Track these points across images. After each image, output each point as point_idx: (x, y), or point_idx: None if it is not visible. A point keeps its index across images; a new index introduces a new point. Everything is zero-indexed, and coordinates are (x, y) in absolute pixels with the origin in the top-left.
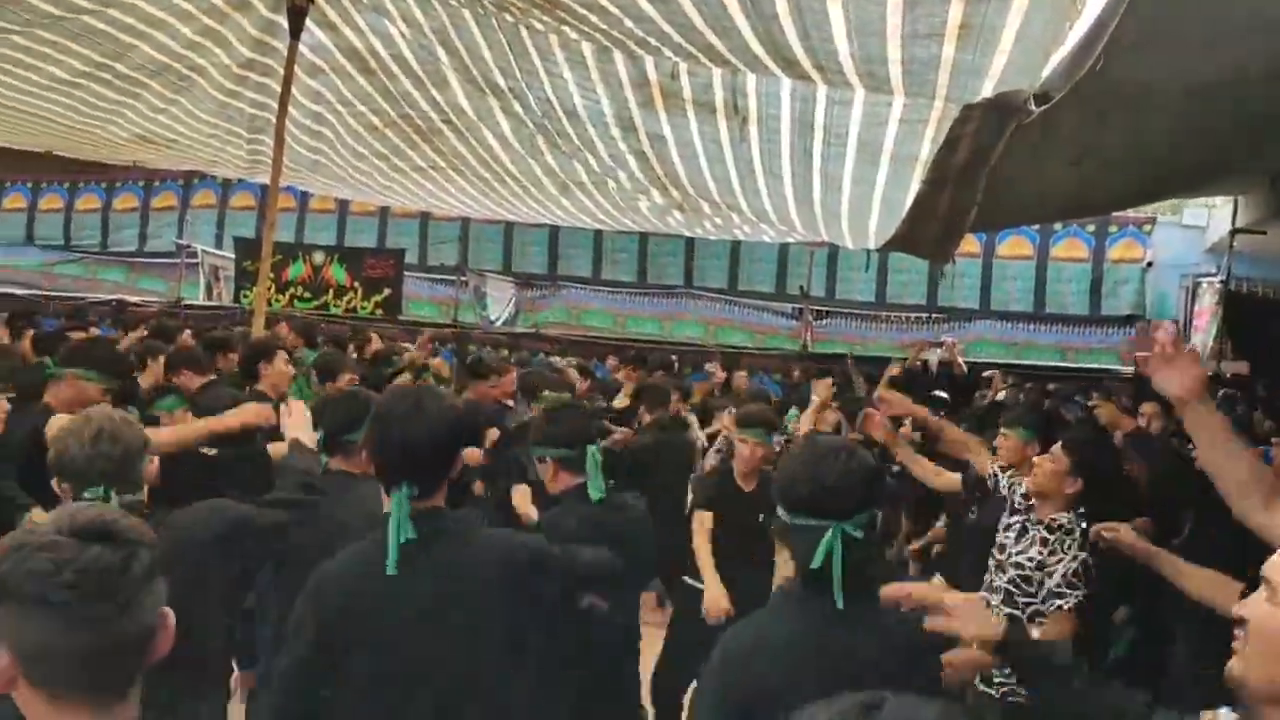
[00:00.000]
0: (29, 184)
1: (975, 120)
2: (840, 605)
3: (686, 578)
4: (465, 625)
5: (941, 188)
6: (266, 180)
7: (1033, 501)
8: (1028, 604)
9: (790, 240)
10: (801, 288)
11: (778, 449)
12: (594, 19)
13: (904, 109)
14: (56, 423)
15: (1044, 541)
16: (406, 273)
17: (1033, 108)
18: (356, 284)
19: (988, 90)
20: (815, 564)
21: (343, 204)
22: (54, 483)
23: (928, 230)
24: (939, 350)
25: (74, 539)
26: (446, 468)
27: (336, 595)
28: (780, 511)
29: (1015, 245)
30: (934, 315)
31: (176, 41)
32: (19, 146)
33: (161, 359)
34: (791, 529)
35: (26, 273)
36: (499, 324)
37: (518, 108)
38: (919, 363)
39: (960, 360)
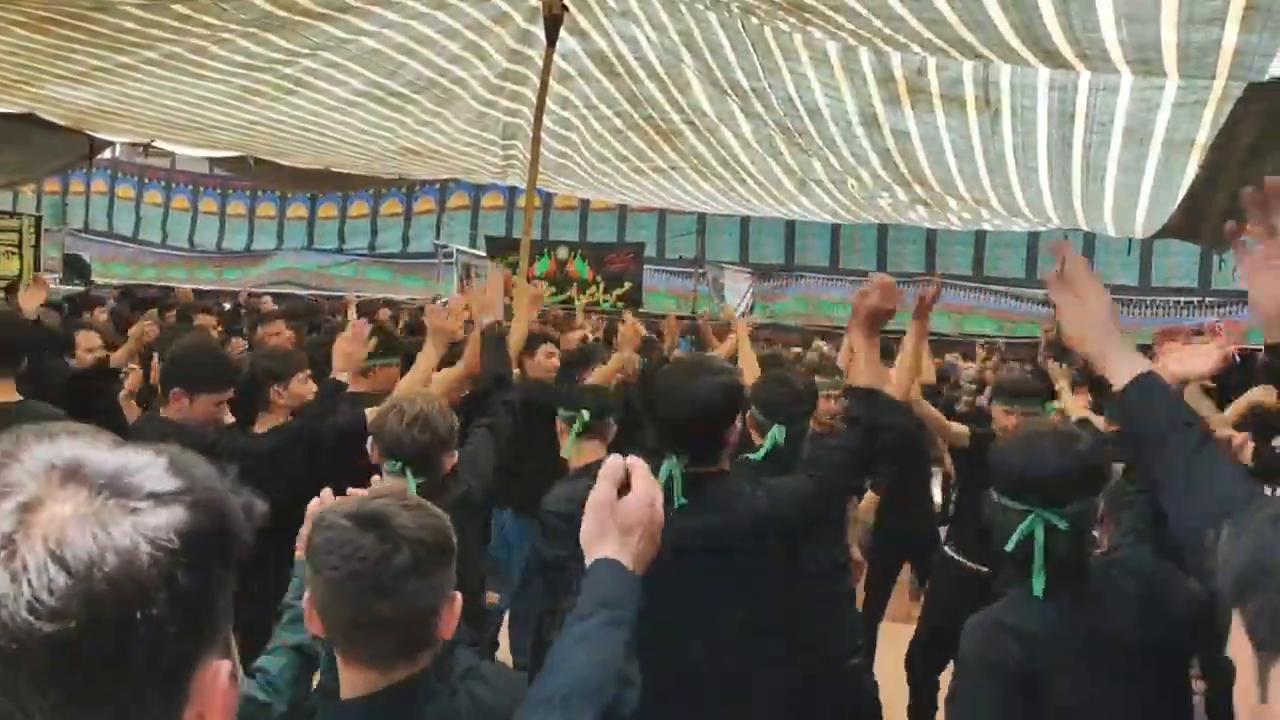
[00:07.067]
0: (308, 195)
1: (1263, 99)
2: (1037, 593)
3: (946, 547)
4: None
5: (1222, 171)
6: (516, 183)
7: None
8: None
9: (1043, 229)
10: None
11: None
12: (841, 19)
13: (1178, 92)
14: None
15: None
16: (646, 265)
17: None
18: (599, 278)
19: (1277, 70)
20: (1008, 548)
21: (584, 201)
22: (369, 443)
23: (1207, 216)
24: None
25: (353, 525)
26: (716, 437)
27: None
28: (992, 491)
29: None
30: (1206, 299)
31: (442, 57)
32: (302, 166)
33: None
34: (995, 509)
35: (307, 274)
36: (737, 315)
37: (759, 107)
38: None
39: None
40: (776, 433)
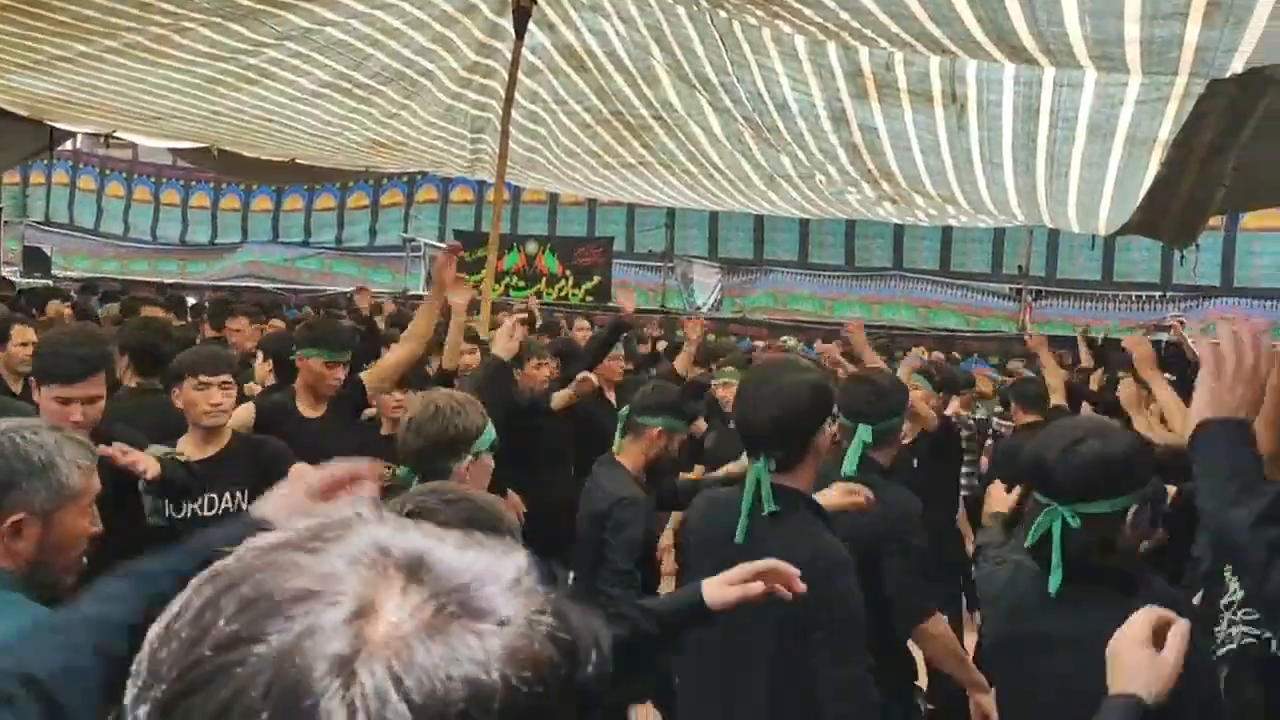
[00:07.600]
0: (274, 188)
1: (1225, 95)
2: (1052, 590)
3: None
4: None
5: (1184, 168)
6: (484, 177)
7: None
8: None
9: (1008, 225)
10: (1020, 267)
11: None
12: (809, 12)
13: (1141, 89)
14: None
15: None
16: (615, 260)
17: None
18: (568, 272)
19: (1238, 66)
20: (1028, 542)
21: (553, 195)
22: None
23: (1168, 213)
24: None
25: None
26: (803, 440)
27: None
28: None
29: (1266, 215)
30: (1168, 294)
31: (409, 49)
32: (267, 157)
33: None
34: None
35: (273, 267)
36: (705, 309)
37: (727, 102)
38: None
39: (1190, 342)
40: (863, 432)
